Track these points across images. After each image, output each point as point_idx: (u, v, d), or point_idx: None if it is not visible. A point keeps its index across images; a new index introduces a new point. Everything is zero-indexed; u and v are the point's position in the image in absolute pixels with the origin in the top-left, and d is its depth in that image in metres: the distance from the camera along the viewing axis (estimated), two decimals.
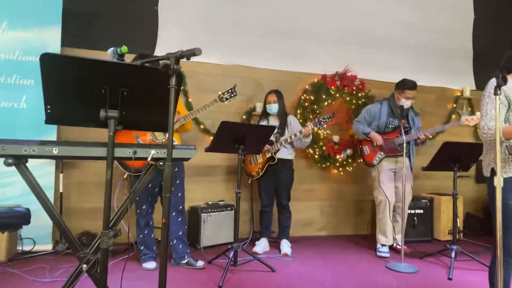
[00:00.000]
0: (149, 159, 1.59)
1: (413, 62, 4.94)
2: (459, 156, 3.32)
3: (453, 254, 3.29)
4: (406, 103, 3.67)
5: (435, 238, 4.47)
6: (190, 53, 1.37)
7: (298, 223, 4.44)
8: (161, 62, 1.41)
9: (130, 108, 1.53)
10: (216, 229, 3.78)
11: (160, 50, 4.00)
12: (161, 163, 1.60)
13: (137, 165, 3.63)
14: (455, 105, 5.16)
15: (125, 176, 3.12)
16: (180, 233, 3.11)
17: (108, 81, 1.48)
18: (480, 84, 5.29)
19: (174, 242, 3.09)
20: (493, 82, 1.98)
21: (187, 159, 1.75)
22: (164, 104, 1.46)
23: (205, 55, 4.12)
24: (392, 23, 4.84)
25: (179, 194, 3.11)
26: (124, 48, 1.56)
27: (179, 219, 3.11)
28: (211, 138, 3.71)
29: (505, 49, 5.38)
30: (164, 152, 1.63)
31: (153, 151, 1.60)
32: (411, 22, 4.92)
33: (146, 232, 3.09)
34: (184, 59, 1.42)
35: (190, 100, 4.08)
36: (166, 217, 1.42)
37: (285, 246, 3.67)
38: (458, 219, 4.44)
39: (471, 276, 3.15)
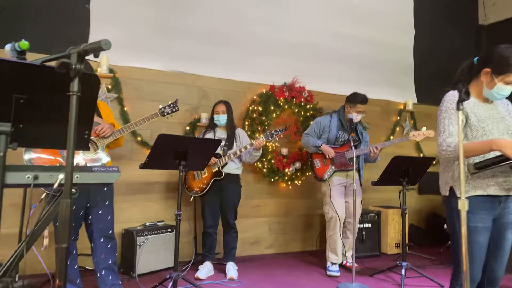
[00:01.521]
0: (56, 185, 1.23)
1: (359, 75, 4.95)
2: (408, 170, 3.28)
3: (403, 272, 3.21)
4: (356, 117, 3.59)
5: (383, 252, 4.43)
6: (96, 47, 1.03)
7: (246, 242, 4.17)
8: (57, 61, 1.06)
9: (28, 120, 1.17)
10: (154, 254, 3.38)
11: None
12: (73, 190, 1.25)
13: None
14: (398, 118, 5.25)
15: (42, 197, 2.64)
16: (109, 262, 2.69)
17: None
18: (421, 98, 5.46)
19: (103, 273, 2.67)
20: (450, 96, 1.89)
21: (107, 185, 1.41)
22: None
23: (145, 60, 3.84)
24: (339, 36, 4.81)
25: (109, 217, 2.70)
26: (24, 43, 1.20)
27: (108, 246, 2.70)
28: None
29: (444, 64, 5.62)
30: (77, 177, 1.28)
31: (61, 176, 1.25)
32: (358, 36, 4.93)
33: (68, 262, 2.62)
34: (100, 60, 1.07)
35: (126, 109, 3.67)
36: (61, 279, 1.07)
37: (231, 269, 3.38)
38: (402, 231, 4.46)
39: None
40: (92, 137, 2.60)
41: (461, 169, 1.51)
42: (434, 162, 3.38)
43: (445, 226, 4.68)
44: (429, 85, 5.50)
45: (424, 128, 3.50)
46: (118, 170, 1.39)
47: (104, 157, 2.65)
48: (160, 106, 2.89)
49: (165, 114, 2.86)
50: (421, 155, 5.35)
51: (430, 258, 4.21)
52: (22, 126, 1.18)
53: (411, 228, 4.99)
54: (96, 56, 1.05)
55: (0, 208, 1.21)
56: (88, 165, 2.57)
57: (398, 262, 3.34)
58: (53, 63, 1.10)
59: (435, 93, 5.60)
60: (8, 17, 3.32)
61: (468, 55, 5.97)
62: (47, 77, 1.12)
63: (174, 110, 2.88)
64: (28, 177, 1.22)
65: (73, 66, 1.02)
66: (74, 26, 3.54)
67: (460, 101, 1.52)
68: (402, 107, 5.28)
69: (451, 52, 5.63)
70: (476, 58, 1.91)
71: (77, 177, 1.29)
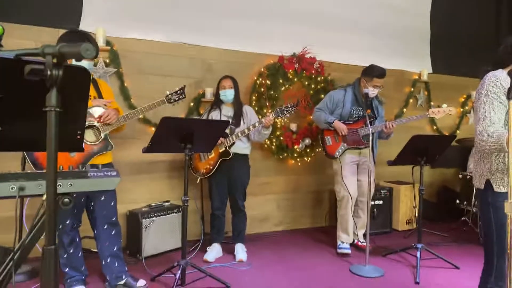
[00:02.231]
0: (44, 196, 1.06)
1: (371, 43, 4.64)
2: (427, 149, 3.09)
3: (418, 254, 3.10)
4: (373, 92, 3.35)
5: (394, 228, 4.34)
6: (74, 52, 0.80)
7: (254, 219, 4.07)
8: (26, 67, 0.82)
9: (8, 122, 0.98)
10: (161, 235, 3.28)
11: (86, 24, 3.27)
12: (65, 200, 1.08)
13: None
14: (412, 89, 4.99)
15: (43, 198, 2.50)
16: (114, 249, 2.58)
17: None
18: (438, 67, 5.16)
19: (108, 260, 2.57)
20: (492, 77, 1.65)
21: (106, 192, 1.23)
22: (61, 113, 0.92)
23: (145, 31, 3.55)
24: (349, 2, 4.46)
25: (112, 203, 2.56)
26: None
27: (113, 233, 2.58)
28: (154, 130, 3.16)
29: (463, 31, 5.27)
30: (70, 184, 1.10)
31: None
32: (369, 2, 4.58)
33: (71, 251, 2.52)
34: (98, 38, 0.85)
35: (126, 85, 3.44)
36: None
37: (240, 251, 3.28)
38: (414, 208, 4.34)
39: (437, 278, 2.99)
40: (96, 123, 2.43)
41: (509, 166, 1.32)
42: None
43: (457, 201, 4.56)
44: (446, 53, 5.19)
45: (444, 105, 3.27)
46: (118, 174, 1.21)
47: (107, 145, 2.48)
48: (167, 93, 2.73)
49: (172, 101, 2.73)
50: (435, 127, 5.14)
51: (443, 235, 4.12)
52: (1, 129, 0.99)
53: (423, 202, 4.86)
54: (78, 60, 0.83)
55: None
56: (91, 150, 2.40)
57: (413, 244, 3.23)
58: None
59: (452, 62, 5.34)
60: None
61: (490, 23, 5.59)
62: (22, 72, 0.91)
63: (181, 97, 2.75)
64: (13, 188, 1.04)
65: (49, 73, 0.80)
66: None
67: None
68: (417, 77, 5.00)
69: (470, 18, 5.27)
70: None
71: (70, 184, 1.11)
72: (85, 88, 0.96)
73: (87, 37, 2.36)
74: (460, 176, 4.52)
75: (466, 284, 2.84)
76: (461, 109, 5.31)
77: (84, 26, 3.25)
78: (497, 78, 1.63)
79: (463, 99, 5.34)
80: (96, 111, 2.44)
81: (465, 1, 5.27)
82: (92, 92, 2.51)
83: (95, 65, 3.27)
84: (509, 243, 1.35)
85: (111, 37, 3.36)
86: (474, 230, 4.09)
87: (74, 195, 1.12)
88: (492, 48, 1.79)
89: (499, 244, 1.63)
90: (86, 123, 2.40)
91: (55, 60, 0.76)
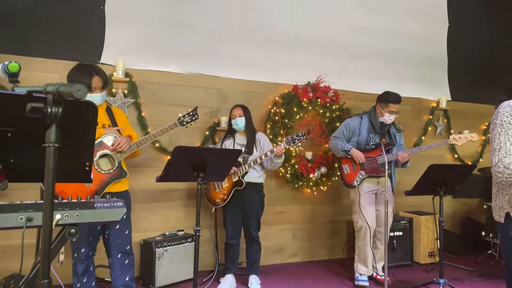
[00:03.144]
0: (53, 226, 1.07)
1: (387, 71, 4.64)
2: (445, 179, 2.99)
3: None
4: (389, 118, 3.33)
5: (415, 261, 4.16)
6: (68, 92, 0.83)
7: (269, 249, 3.99)
8: (28, 105, 0.86)
9: (18, 153, 1.02)
10: (174, 265, 3.25)
11: (106, 57, 3.42)
12: (72, 230, 1.09)
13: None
14: (431, 117, 4.91)
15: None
16: (126, 279, 2.56)
17: None
18: (456, 95, 5.08)
19: None
20: (506, 107, 1.61)
21: (111, 222, 1.25)
22: (69, 146, 0.95)
23: (162, 62, 3.68)
24: (364, 30, 4.50)
25: (126, 232, 2.57)
26: (13, 66, 1.04)
27: (126, 262, 2.57)
28: (168, 158, 3.20)
29: (481, 58, 5.21)
30: (77, 215, 1.12)
31: (58, 216, 1.09)
32: (384, 30, 4.61)
33: (85, 280, 2.52)
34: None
35: (143, 114, 3.53)
36: None
37: (254, 283, 3.21)
38: (436, 240, 4.17)
39: None
40: (109, 152, 2.49)
41: None
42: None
43: (483, 233, 4.36)
44: (464, 81, 5.12)
45: (466, 131, 3.18)
46: (124, 205, 1.22)
47: (121, 172, 2.52)
48: (180, 115, 2.76)
49: (184, 123, 2.75)
50: (455, 156, 5.01)
51: (467, 269, 3.91)
52: (12, 161, 1.02)
53: (446, 234, 4.67)
54: (78, 96, 0.85)
55: None
56: (106, 179, 2.44)
57: (435, 279, 3.08)
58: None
59: (471, 89, 5.25)
60: (24, 22, 3.22)
61: (507, 48, 5.51)
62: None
63: (193, 118, 2.77)
64: (21, 218, 1.06)
65: (48, 111, 0.83)
66: (90, 29, 3.42)
67: None
68: (435, 105, 4.93)
69: (488, 45, 5.22)
70: None
71: (76, 215, 1.13)
72: (91, 121, 0.99)
73: (94, 69, 2.46)
74: (485, 206, 4.34)
75: None
76: (483, 137, 5.17)
77: (104, 59, 3.41)
78: None
79: (484, 127, 5.21)
80: (109, 140, 2.49)
81: (482, 28, 5.24)
82: (106, 120, 2.58)
83: (113, 95, 3.39)
84: None
85: (130, 69, 3.49)
86: (501, 264, 3.87)
87: (77, 234, 1.14)
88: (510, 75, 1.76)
89: None
90: (101, 152, 2.46)
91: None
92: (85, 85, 2.38)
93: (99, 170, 2.45)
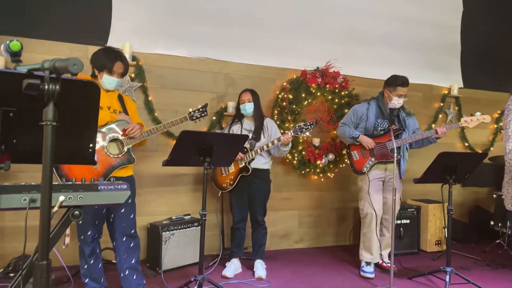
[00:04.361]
0: (56, 208, 1.07)
1: (398, 57, 4.54)
2: (455, 167, 2.94)
3: (447, 279, 2.93)
4: (398, 102, 3.27)
5: (422, 249, 4.14)
6: (63, 67, 0.81)
7: (275, 235, 4.01)
8: (24, 82, 0.84)
9: (21, 134, 1.00)
10: (180, 249, 3.28)
11: (113, 40, 3.39)
12: (76, 212, 1.09)
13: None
14: (442, 104, 4.82)
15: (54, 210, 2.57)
16: (132, 262, 2.59)
17: None
18: (469, 82, 4.97)
19: (126, 273, 2.57)
20: None
21: (126, 204, 1.24)
22: (71, 127, 0.94)
23: (169, 46, 3.64)
24: (374, 16, 4.40)
25: (131, 216, 2.58)
26: (15, 44, 1.02)
27: (131, 245, 2.59)
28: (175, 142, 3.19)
29: (495, 45, 5.08)
30: (81, 197, 1.11)
31: (61, 198, 1.08)
32: (395, 15, 4.50)
33: (92, 262, 2.55)
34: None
35: (150, 98, 3.52)
36: None
37: (260, 268, 3.22)
38: (444, 228, 4.13)
39: None
40: (120, 137, 2.49)
41: None
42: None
43: (491, 222, 4.31)
44: (478, 68, 5.00)
45: (478, 113, 3.10)
46: (128, 188, 1.21)
47: (130, 158, 2.53)
48: (190, 110, 2.79)
49: (194, 118, 2.80)
50: (466, 144, 4.93)
51: (475, 258, 3.89)
52: (15, 142, 1.01)
53: (454, 223, 4.62)
54: (74, 74, 0.83)
55: None
56: (114, 163, 2.45)
57: (442, 268, 3.06)
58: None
59: (484, 76, 5.13)
60: (31, 5, 3.20)
61: None
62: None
63: (203, 115, 2.82)
64: (25, 199, 1.06)
65: (45, 88, 0.81)
66: (97, 11, 3.38)
67: None
68: (446, 92, 4.83)
69: (503, 31, 5.07)
70: None
71: (80, 197, 1.12)
72: (94, 101, 0.97)
73: (119, 55, 2.49)
74: (495, 196, 4.28)
75: None
76: (495, 125, 5.07)
77: (111, 42, 3.37)
78: None
79: (497, 115, 5.10)
80: (121, 124, 2.50)
81: (496, 15, 5.09)
82: (118, 106, 2.59)
83: None
84: None
85: (136, 53, 3.46)
86: (509, 253, 3.84)
87: (81, 216, 1.13)
88: None
89: None
90: (111, 136, 2.46)
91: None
92: (107, 68, 2.37)
93: (108, 153, 2.45)
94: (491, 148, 5.02)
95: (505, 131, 1.56)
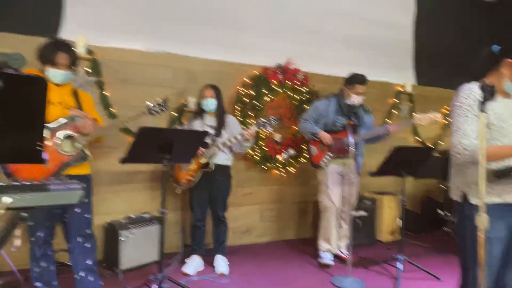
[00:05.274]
0: (1, 211, 1.01)
1: (356, 55, 4.67)
2: (408, 161, 3.09)
3: (400, 266, 3.08)
4: (357, 99, 3.39)
5: (378, 239, 4.33)
6: (3, 61, 0.77)
7: (236, 230, 4.02)
8: None
9: None
10: (139, 248, 3.20)
11: (66, 32, 3.22)
12: (23, 214, 1.03)
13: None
14: (396, 101, 5.03)
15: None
16: (89, 263, 2.49)
17: None
18: (421, 79, 5.23)
19: (82, 275, 2.48)
20: (466, 90, 1.66)
21: (66, 206, 1.19)
22: (17, 124, 0.88)
23: (127, 40, 3.52)
24: (334, 14, 4.50)
25: (87, 215, 2.48)
26: None
27: (88, 246, 2.49)
28: (133, 139, 3.10)
29: (446, 44, 5.37)
30: (30, 198, 1.05)
31: (7, 199, 1.02)
32: (353, 15, 4.63)
33: (43, 264, 2.43)
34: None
35: (107, 93, 3.39)
36: None
37: (221, 264, 3.22)
38: (398, 219, 4.34)
39: None
40: (72, 133, 2.37)
41: (482, 180, 1.32)
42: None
43: (438, 210, 4.58)
44: (430, 66, 5.26)
45: (430, 111, 3.27)
46: (80, 188, 1.16)
47: (84, 156, 2.42)
48: (150, 104, 2.65)
49: (153, 113, 2.65)
50: (418, 138, 5.18)
51: (425, 246, 4.12)
52: None
53: (407, 213, 4.86)
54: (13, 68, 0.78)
55: None
56: (67, 161, 2.34)
57: (394, 255, 3.22)
58: None
59: (435, 74, 5.41)
60: None
61: (471, 36, 5.69)
62: None
63: (163, 109, 2.67)
64: None
65: None
66: (48, 1, 3.20)
67: (485, 102, 1.31)
68: (400, 89, 5.05)
69: (453, 31, 5.37)
70: (497, 47, 1.68)
71: (29, 198, 1.06)
72: (40, 97, 0.92)
73: (60, 45, 2.34)
74: (443, 186, 4.55)
75: None
76: (445, 121, 5.37)
77: (64, 34, 3.20)
78: (471, 90, 1.64)
79: (446, 111, 5.40)
80: (73, 121, 2.38)
81: (447, 15, 5.38)
82: (72, 102, 2.47)
83: (75, 73, 3.22)
84: (481, 254, 1.34)
85: (92, 46, 3.31)
86: (455, 240, 4.10)
87: (29, 218, 1.08)
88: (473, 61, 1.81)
89: (475, 256, 1.62)
90: (63, 133, 2.35)
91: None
92: (49, 60, 2.22)
93: (59, 150, 2.34)
94: (441, 142, 5.32)
95: (451, 125, 1.66)
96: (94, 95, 3.30)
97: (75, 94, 2.51)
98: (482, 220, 1.31)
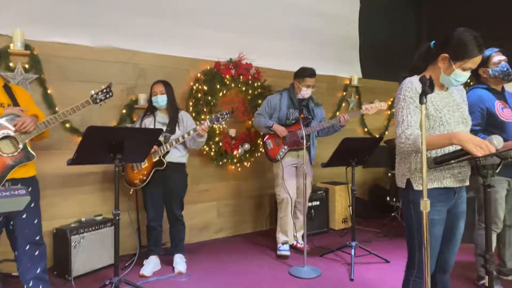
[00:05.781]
0: None
1: (306, 50, 4.80)
2: (357, 151, 3.25)
3: (352, 252, 3.24)
4: (306, 92, 3.50)
5: (331, 227, 4.50)
6: None
7: (194, 228, 3.99)
8: None
9: None
10: (93, 252, 3.08)
11: (0, 26, 2.99)
12: None
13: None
14: (344, 93, 5.23)
15: None
16: (38, 271, 2.36)
17: None
18: (367, 72, 5.47)
19: (31, 284, 2.34)
20: (408, 83, 1.77)
21: (27, 209, 1.12)
22: None
23: (69, 34, 3.34)
24: (281, 10, 4.58)
25: (35, 221, 2.34)
26: None
27: (36, 253, 2.36)
28: (81, 139, 2.96)
29: (388, 38, 5.65)
30: None
31: None
32: (302, 10, 4.75)
33: None
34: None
35: (49, 91, 3.19)
36: None
37: (179, 262, 3.19)
38: (349, 207, 4.54)
39: (370, 273, 3.14)
40: (12, 133, 2.21)
41: (423, 167, 1.42)
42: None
43: (387, 198, 4.86)
44: (374, 59, 5.52)
45: (376, 101, 3.46)
46: (27, 193, 1.10)
47: (28, 155, 2.27)
48: (92, 92, 2.52)
49: (98, 101, 2.51)
50: (365, 129, 5.44)
51: (375, 231, 4.36)
52: None
53: (357, 201, 5.09)
54: None
55: None
56: (9, 163, 2.18)
57: (347, 242, 3.37)
58: None
59: (380, 67, 5.70)
60: None
61: (411, 31, 6.01)
62: None
63: (108, 96, 2.54)
64: None
65: None
66: None
67: (424, 94, 1.41)
68: (348, 82, 5.26)
69: (396, 26, 5.68)
70: (433, 42, 1.81)
71: None
72: None
73: None
74: (390, 174, 4.82)
75: (395, 276, 3.01)
76: (389, 112, 5.68)
77: None
78: (412, 83, 1.75)
79: (389, 102, 5.71)
80: (10, 119, 2.22)
81: (388, 11, 5.67)
82: (5, 99, 2.30)
83: (12, 70, 3.00)
84: (425, 237, 1.45)
85: (30, 40, 3.10)
86: (402, 225, 4.38)
87: None
88: (413, 55, 1.94)
89: (420, 239, 1.74)
90: (1, 133, 2.18)
91: None
92: None
93: (0, 153, 2.17)
94: (386, 132, 5.63)
95: (395, 117, 1.77)
96: (36, 94, 3.11)
97: (8, 90, 2.34)
98: (426, 204, 1.41)
